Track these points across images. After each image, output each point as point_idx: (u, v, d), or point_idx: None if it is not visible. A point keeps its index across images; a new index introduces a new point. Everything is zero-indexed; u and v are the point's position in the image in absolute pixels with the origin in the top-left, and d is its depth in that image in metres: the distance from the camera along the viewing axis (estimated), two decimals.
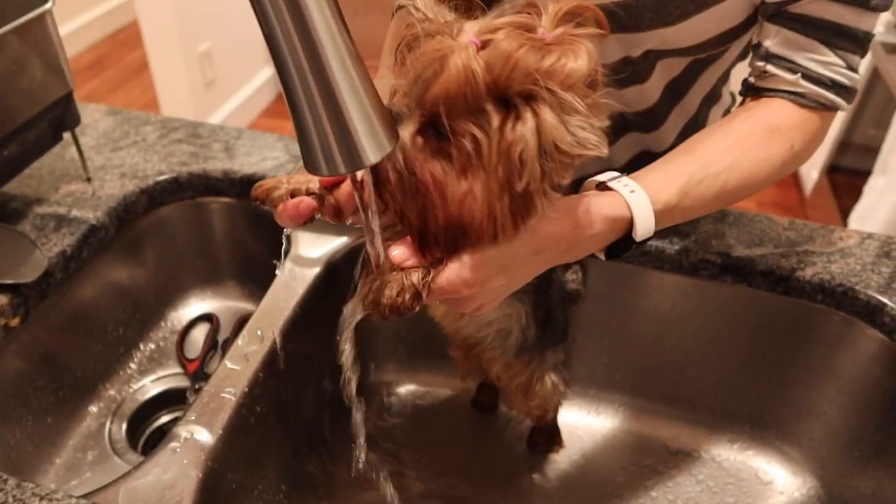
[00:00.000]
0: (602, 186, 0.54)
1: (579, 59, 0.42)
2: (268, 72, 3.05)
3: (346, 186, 0.50)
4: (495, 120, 0.42)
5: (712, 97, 0.78)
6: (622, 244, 0.54)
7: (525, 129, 0.41)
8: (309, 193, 0.51)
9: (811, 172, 2.31)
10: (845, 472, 0.75)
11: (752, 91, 0.62)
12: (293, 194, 0.51)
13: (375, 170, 0.44)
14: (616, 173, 0.55)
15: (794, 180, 2.48)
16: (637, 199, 0.52)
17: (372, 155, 0.39)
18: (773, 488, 0.79)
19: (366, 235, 0.46)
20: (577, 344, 0.82)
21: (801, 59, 0.59)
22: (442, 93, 0.41)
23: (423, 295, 0.46)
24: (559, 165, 0.43)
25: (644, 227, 0.53)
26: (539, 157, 0.42)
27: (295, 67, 0.37)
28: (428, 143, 0.43)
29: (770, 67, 0.60)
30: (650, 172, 0.56)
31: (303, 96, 0.37)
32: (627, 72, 0.69)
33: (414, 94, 0.43)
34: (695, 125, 0.78)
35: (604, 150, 0.43)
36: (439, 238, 0.45)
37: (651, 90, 0.71)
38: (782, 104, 0.60)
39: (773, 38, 0.60)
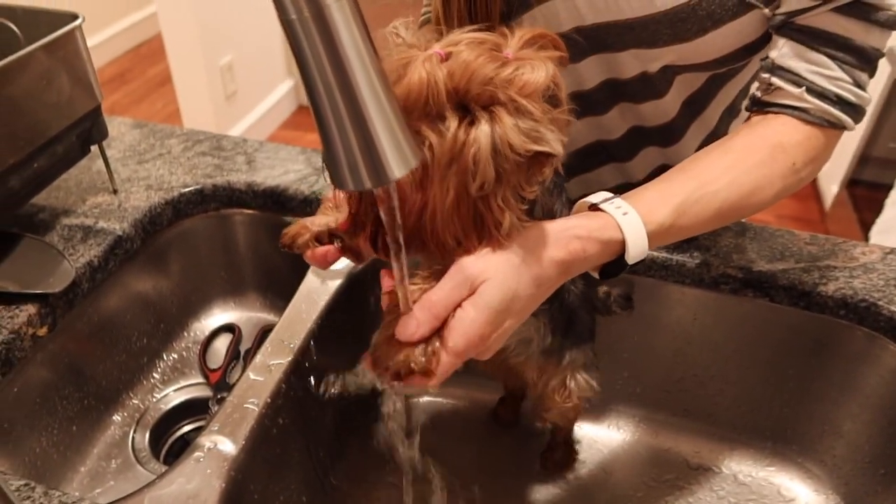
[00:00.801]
0: (594, 208, 0.54)
1: (536, 71, 0.43)
2: (288, 84, 3.08)
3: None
4: (452, 124, 0.43)
5: (732, 111, 0.78)
6: (615, 264, 0.54)
7: (479, 131, 0.43)
8: (332, 235, 0.53)
9: (831, 186, 2.29)
10: (869, 490, 0.74)
11: (757, 105, 0.62)
12: (318, 238, 0.54)
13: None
14: (608, 194, 0.55)
15: (815, 193, 2.45)
16: (629, 221, 0.52)
17: (397, 170, 0.40)
18: None
19: (394, 264, 0.46)
20: (596, 358, 0.82)
21: (807, 73, 0.58)
22: (402, 98, 0.43)
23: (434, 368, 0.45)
24: (515, 166, 0.44)
25: (636, 249, 0.52)
26: (493, 157, 0.43)
27: (323, 85, 0.38)
28: None
29: (775, 80, 0.59)
30: (644, 192, 0.55)
31: (330, 113, 0.38)
32: (645, 87, 0.69)
33: None
34: (715, 139, 0.78)
35: (558, 148, 0.44)
36: (404, 245, 0.45)
37: (669, 104, 0.71)
38: (785, 121, 0.59)
39: (780, 50, 0.59)
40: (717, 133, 0.78)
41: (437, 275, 0.47)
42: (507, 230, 0.46)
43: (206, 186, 0.85)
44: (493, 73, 0.43)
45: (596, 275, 0.55)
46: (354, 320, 0.81)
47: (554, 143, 0.44)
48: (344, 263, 0.77)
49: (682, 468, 0.82)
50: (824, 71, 0.57)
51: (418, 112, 0.43)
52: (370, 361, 0.48)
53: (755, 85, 0.63)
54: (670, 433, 0.84)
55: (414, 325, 0.45)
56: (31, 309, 0.67)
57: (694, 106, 0.73)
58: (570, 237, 0.50)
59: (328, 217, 0.55)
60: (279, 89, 3.02)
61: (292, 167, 0.87)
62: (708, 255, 0.74)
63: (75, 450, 0.75)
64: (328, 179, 0.41)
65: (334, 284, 0.75)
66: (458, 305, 0.46)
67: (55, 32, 0.69)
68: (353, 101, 0.38)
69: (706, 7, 0.60)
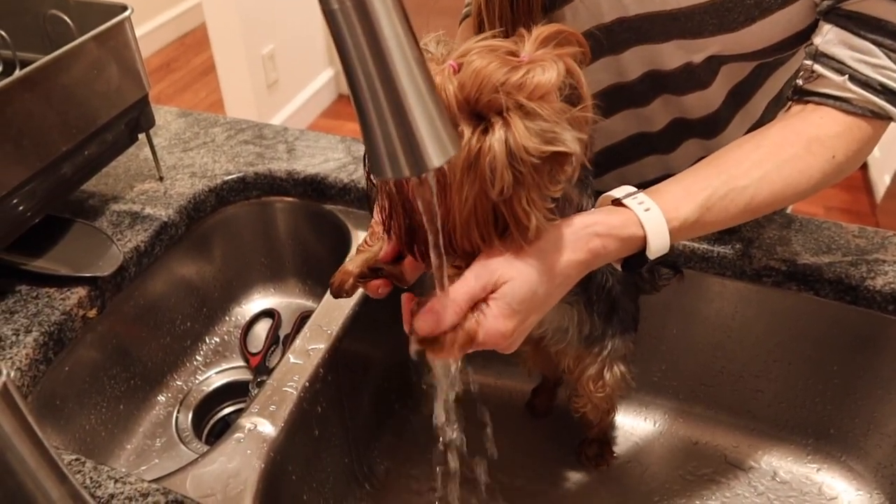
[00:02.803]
0: (617, 203, 0.54)
1: (547, 72, 0.44)
2: (328, 73, 3.11)
3: (408, 260, 0.55)
4: (466, 133, 0.44)
5: (779, 101, 0.76)
6: (637, 257, 0.54)
7: (493, 138, 0.43)
8: (373, 270, 0.56)
9: (883, 177, 2.22)
10: None
11: (798, 94, 0.60)
12: (362, 276, 0.56)
13: (375, 195, 0.46)
14: (632, 189, 0.55)
15: (865, 185, 2.38)
16: (650, 217, 0.52)
17: (436, 159, 0.40)
18: (837, 503, 0.76)
19: (431, 250, 0.47)
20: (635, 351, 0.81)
21: (851, 61, 0.56)
22: None
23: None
24: (533, 168, 0.44)
25: (658, 244, 0.52)
26: (510, 162, 0.43)
27: (363, 74, 0.38)
28: None
29: (818, 67, 0.57)
30: (670, 186, 0.55)
31: (370, 101, 0.39)
32: (688, 78, 0.68)
33: None
34: None
35: (575, 147, 0.44)
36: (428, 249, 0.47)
37: (714, 95, 0.70)
38: (824, 113, 0.57)
39: (824, 36, 0.57)
40: (763, 123, 0.76)
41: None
42: (534, 231, 0.47)
43: (248, 174, 0.86)
44: (503, 79, 0.43)
45: (618, 267, 0.55)
46: (391, 307, 0.81)
47: (571, 143, 0.44)
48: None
49: (719, 463, 0.81)
50: (869, 59, 0.55)
51: None
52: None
53: (799, 72, 0.61)
54: (708, 427, 0.83)
55: (436, 319, 0.47)
56: (81, 291, 0.69)
57: (739, 96, 0.71)
58: (590, 235, 0.51)
59: (365, 254, 0.57)
60: (320, 78, 3.05)
61: (332, 156, 0.88)
62: (751, 247, 0.73)
63: (122, 428, 0.78)
64: (368, 170, 0.42)
65: None
66: (483, 300, 0.48)
67: (106, 23, 0.70)
68: (393, 90, 0.38)
69: None
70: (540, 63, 0.44)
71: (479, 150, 0.44)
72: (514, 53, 0.45)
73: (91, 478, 0.53)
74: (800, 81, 0.60)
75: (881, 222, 2.20)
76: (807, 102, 0.59)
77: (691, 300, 0.78)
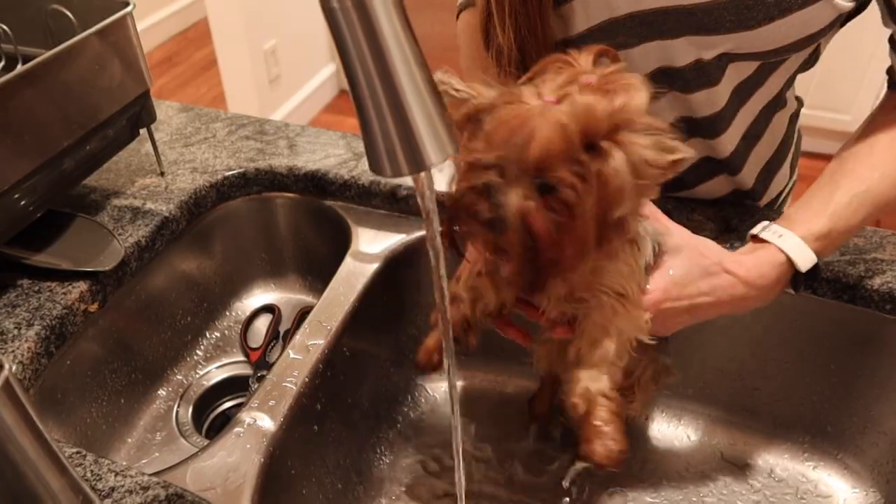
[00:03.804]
0: (755, 238, 0.62)
1: (640, 93, 0.47)
2: (330, 69, 3.11)
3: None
4: (593, 164, 0.46)
5: (777, 102, 0.76)
6: (797, 276, 0.62)
7: (616, 161, 0.46)
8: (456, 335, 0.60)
9: None
10: None
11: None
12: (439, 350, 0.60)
13: (497, 237, 0.48)
14: (765, 223, 0.63)
15: None
16: (788, 243, 0.61)
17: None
18: (833, 502, 0.77)
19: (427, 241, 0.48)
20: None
21: None
22: (543, 151, 0.45)
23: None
24: (652, 180, 0.48)
25: (803, 261, 0.61)
26: (635, 179, 0.47)
27: (363, 72, 0.38)
28: (536, 200, 0.47)
29: None
30: (798, 210, 0.63)
31: (370, 100, 0.39)
32: (698, 75, 0.68)
33: (511, 160, 0.47)
34: (756, 131, 0.76)
35: (689, 151, 0.47)
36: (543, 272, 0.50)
37: (720, 94, 0.70)
38: None
39: None
40: (759, 124, 0.76)
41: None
42: (632, 232, 0.52)
43: (249, 170, 0.87)
44: (610, 107, 0.46)
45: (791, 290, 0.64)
46: (391, 303, 0.82)
47: (683, 148, 0.47)
48: (381, 247, 0.79)
49: (716, 459, 0.81)
50: None
51: (558, 161, 0.46)
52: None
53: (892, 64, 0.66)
54: (705, 424, 0.83)
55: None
56: (82, 286, 0.69)
57: (741, 95, 0.72)
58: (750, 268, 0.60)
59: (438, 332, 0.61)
60: (321, 73, 3.05)
61: (333, 152, 0.89)
62: None
63: (123, 421, 0.78)
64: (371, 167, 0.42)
65: (371, 268, 0.76)
66: None
67: (108, 19, 0.71)
68: (392, 89, 0.38)
69: None
70: (625, 85, 0.47)
71: (605, 175, 0.46)
72: (576, 77, 0.48)
73: (92, 471, 0.54)
74: None
75: (882, 222, 2.19)
76: None
77: None
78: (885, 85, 0.69)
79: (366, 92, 0.39)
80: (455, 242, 0.67)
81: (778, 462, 0.80)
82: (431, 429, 0.85)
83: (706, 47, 0.65)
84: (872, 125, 0.65)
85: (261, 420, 0.61)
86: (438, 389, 0.88)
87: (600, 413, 0.58)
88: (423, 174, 0.43)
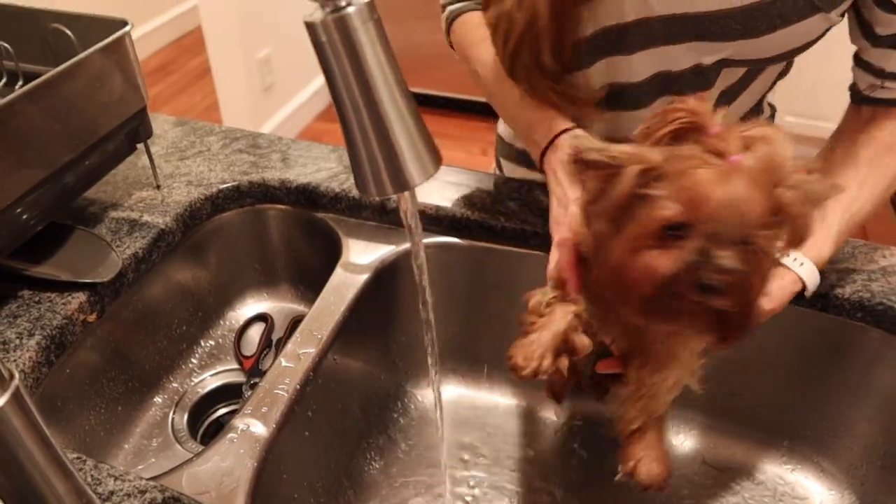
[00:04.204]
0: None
1: (785, 143, 0.48)
2: (323, 78, 3.14)
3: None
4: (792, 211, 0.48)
5: (757, 108, 0.80)
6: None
7: (791, 194, 0.48)
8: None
9: None
10: (884, 489, 0.76)
11: (865, 101, 0.70)
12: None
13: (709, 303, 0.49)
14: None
15: None
16: (806, 270, 0.66)
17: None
18: (810, 503, 0.80)
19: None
20: None
21: None
22: (757, 212, 0.47)
23: None
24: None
25: (812, 285, 0.67)
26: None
27: (350, 101, 0.41)
28: (738, 258, 0.48)
29: (889, 83, 0.67)
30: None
31: (356, 125, 0.42)
32: (696, 79, 0.71)
33: (724, 223, 0.47)
34: None
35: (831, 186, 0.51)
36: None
37: (710, 99, 0.73)
38: None
39: (889, 60, 0.66)
40: None
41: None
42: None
43: (243, 183, 0.89)
44: (785, 155, 0.48)
45: None
46: (381, 312, 0.84)
47: (828, 184, 0.50)
48: (371, 258, 0.81)
49: (696, 464, 0.83)
50: None
51: (760, 220, 0.47)
52: None
53: (860, 83, 0.71)
54: (686, 429, 0.86)
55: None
56: (81, 297, 0.72)
57: (727, 98, 0.75)
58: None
59: (556, 324, 0.58)
60: (315, 83, 3.07)
61: (324, 165, 0.91)
62: None
63: (120, 428, 0.80)
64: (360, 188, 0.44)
65: (361, 278, 0.79)
66: None
67: (108, 38, 0.73)
68: (377, 116, 0.41)
69: (780, 6, 0.63)
70: (774, 136, 0.48)
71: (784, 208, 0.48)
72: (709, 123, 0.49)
73: (92, 475, 0.56)
74: (864, 90, 0.70)
75: (868, 230, 2.23)
76: (876, 105, 0.70)
77: None
78: (850, 98, 0.72)
79: (352, 118, 0.42)
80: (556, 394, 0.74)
81: (757, 465, 0.83)
82: (421, 434, 0.88)
83: (707, 53, 0.68)
84: (851, 140, 0.69)
85: (254, 426, 0.63)
86: (428, 396, 0.90)
87: (650, 436, 0.61)
88: (406, 193, 0.46)
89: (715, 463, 0.84)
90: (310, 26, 0.39)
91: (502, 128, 0.96)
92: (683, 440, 0.86)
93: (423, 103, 3.10)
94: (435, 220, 0.84)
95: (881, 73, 0.67)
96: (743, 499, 0.80)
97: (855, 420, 0.78)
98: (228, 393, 0.88)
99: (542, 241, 0.80)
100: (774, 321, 0.76)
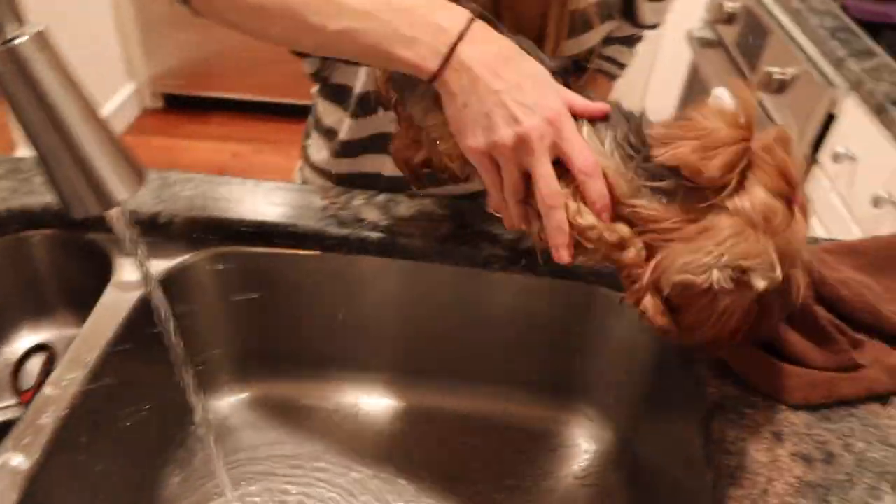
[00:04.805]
0: None
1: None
2: (129, 88, 2.98)
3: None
4: None
5: None
6: None
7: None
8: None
9: None
10: (635, 424, 0.88)
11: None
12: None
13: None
14: None
15: None
16: None
17: (123, 193, 0.45)
18: (580, 448, 0.90)
19: None
20: (369, 333, 0.91)
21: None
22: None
23: None
24: None
25: None
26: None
27: (40, 130, 0.43)
28: None
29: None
30: None
31: (48, 154, 0.43)
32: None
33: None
34: None
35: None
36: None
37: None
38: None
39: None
40: None
41: None
42: None
43: (1, 211, 0.85)
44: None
45: None
46: (154, 332, 0.84)
47: None
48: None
49: (487, 430, 0.92)
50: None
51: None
52: None
53: None
54: (469, 396, 0.94)
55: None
56: None
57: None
58: None
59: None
60: (120, 93, 2.92)
61: None
62: (482, 241, 0.84)
63: None
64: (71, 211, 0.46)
65: (135, 295, 0.78)
66: None
67: None
68: (68, 138, 0.43)
69: None
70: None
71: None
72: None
73: None
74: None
75: None
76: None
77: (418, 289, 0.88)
78: None
79: (44, 143, 0.43)
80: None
81: (535, 421, 0.93)
82: (223, 441, 0.89)
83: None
84: None
85: (14, 459, 0.62)
86: (222, 406, 0.92)
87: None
88: (114, 210, 0.48)
89: (498, 424, 0.92)
90: None
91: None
92: (441, 404, 0.93)
93: (237, 109, 3.04)
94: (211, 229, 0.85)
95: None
96: (528, 457, 0.90)
97: (605, 370, 0.90)
98: (5, 431, 0.83)
99: (318, 242, 0.84)
100: (523, 291, 0.86)
